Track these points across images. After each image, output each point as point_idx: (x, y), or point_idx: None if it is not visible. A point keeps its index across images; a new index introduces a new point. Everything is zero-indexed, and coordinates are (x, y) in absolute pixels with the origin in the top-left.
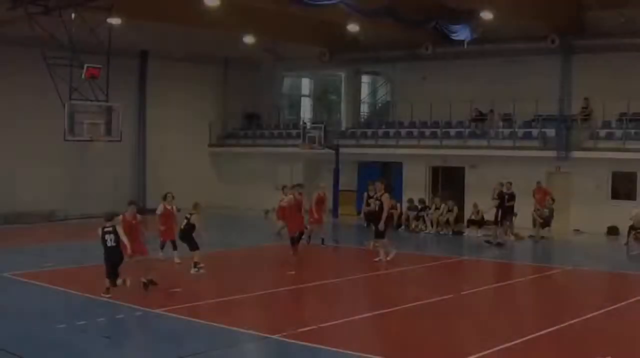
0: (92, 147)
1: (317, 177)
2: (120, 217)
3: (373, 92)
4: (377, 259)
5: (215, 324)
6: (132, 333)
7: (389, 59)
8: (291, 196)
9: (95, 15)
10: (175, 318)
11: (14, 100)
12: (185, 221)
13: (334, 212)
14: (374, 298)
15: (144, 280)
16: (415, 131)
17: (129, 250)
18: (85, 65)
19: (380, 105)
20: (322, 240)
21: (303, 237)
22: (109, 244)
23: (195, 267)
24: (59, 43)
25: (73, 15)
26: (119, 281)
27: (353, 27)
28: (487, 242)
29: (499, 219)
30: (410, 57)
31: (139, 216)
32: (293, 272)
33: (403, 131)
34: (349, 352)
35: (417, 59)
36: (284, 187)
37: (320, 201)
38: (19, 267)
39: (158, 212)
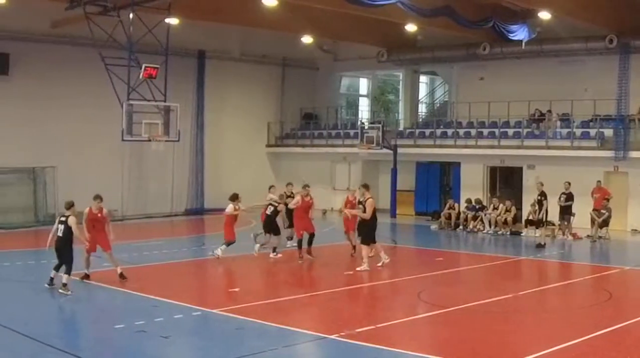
0: (149, 147)
1: (375, 177)
2: (87, 210)
3: (431, 92)
4: (360, 268)
5: (272, 324)
6: (190, 333)
7: (446, 59)
8: (299, 197)
9: (153, 15)
10: (232, 318)
11: (72, 100)
12: (273, 208)
13: (392, 212)
14: (431, 298)
15: (119, 271)
16: (473, 131)
17: (87, 245)
18: (143, 65)
19: (438, 105)
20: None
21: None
22: (59, 233)
23: (274, 251)
24: (116, 43)
25: (131, 15)
26: (65, 278)
27: (411, 27)
28: (539, 245)
29: (543, 220)
30: (468, 57)
31: (105, 211)
32: (350, 272)
33: (461, 131)
34: (407, 352)
35: (475, 59)
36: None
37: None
38: (77, 268)
39: (228, 211)
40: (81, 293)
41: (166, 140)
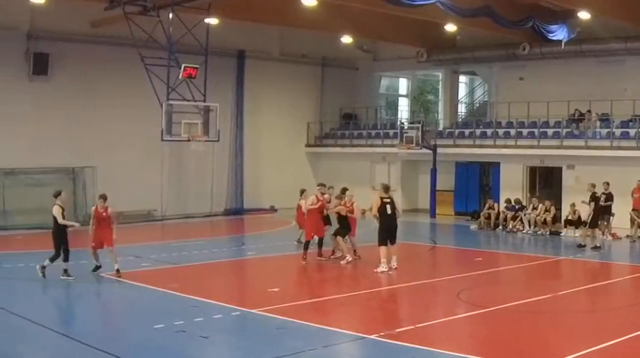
0: (189, 147)
1: (414, 177)
2: (93, 208)
3: (470, 92)
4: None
5: (311, 324)
6: (229, 333)
7: (486, 59)
8: (313, 197)
9: (193, 15)
10: (272, 318)
11: (112, 100)
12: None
13: (431, 212)
14: (471, 298)
15: (117, 267)
16: (512, 131)
17: (91, 242)
18: (183, 65)
19: (477, 105)
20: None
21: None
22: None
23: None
24: (156, 43)
25: (170, 15)
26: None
27: (450, 27)
28: (580, 246)
29: (593, 222)
30: (508, 57)
31: (110, 210)
32: (390, 272)
33: (500, 131)
34: (446, 352)
35: (515, 59)
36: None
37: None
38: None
39: (309, 205)
40: (120, 292)
41: (206, 140)
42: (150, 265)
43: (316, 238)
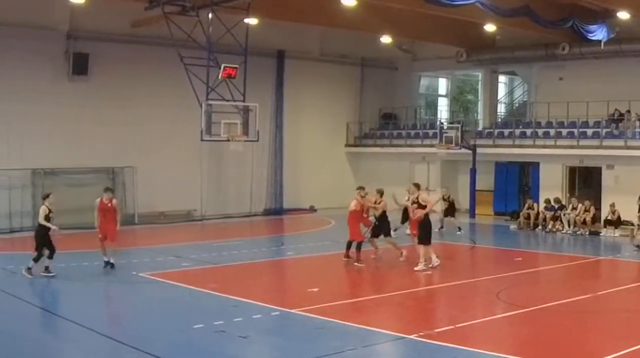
0: (228, 147)
1: (453, 177)
2: (97, 201)
3: (510, 92)
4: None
5: (351, 324)
6: (268, 333)
7: (525, 59)
8: (356, 199)
9: (232, 15)
10: (311, 318)
11: (151, 100)
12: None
13: (471, 212)
14: (510, 298)
15: (106, 259)
16: (552, 131)
17: (56, 234)
18: (222, 65)
19: (517, 105)
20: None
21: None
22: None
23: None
24: (195, 43)
25: (210, 15)
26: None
27: (490, 27)
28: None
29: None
30: (547, 57)
31: (114, 201)
32: (430, 272)
33: (540, 131)
34: (486, 352)
35: (554, 59)
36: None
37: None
38: (157, 267)
39: (352, 207)
40: (160, 292)
41: (245, 140)
42: (190, 265)
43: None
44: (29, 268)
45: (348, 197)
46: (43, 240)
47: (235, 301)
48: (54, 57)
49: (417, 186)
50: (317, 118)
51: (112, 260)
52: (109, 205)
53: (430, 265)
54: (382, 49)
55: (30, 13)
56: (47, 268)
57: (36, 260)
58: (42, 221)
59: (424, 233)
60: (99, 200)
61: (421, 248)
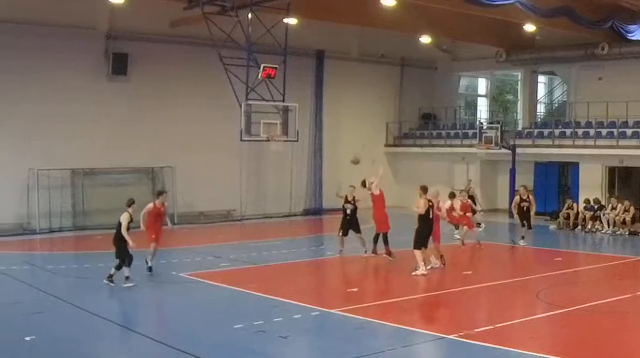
0: (268, 147)
1: (493, 177)
2: (150, 205)
3: (549, 92)
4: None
5: (391, 324)
6: (308, 333)
7: (565, 59)
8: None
9: (272, 14)
10: (351, 318)
11: (191, 100)
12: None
13: (510, 212)
14: (550, 298)
15: (150, 264)
16: (591, 131)
17: (133, 245)
18: (262, 65)
19: (556, 105)
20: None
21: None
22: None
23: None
24: (235, 43)
25: (249, 15)
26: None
27: (529, 27)
28: None
29: None
30: (587, 57)
31: (166, 204)
32: (469, 272)
33: (579, 131)
34: (526, 352)
35: (594, 59)
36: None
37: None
38: (196, 267)
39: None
40: (200, 292)
41: (285, 140)
42: (229, 265)
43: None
44: (111, 276)
45: (387, 197)
46: (124, 248)
47: (274, 301)
48: (93, 57)
49: (425, 189)
50: (356, 118)
51: (148, 264)
52: (162, 209)
53: (429, 267)
54: (422, 49)
55: (70, 13)
56: (127, 278)
57: (118, 268)
58: (124, 233)
59: (416, 237)
60: (152, 204)
61: (416, 253)
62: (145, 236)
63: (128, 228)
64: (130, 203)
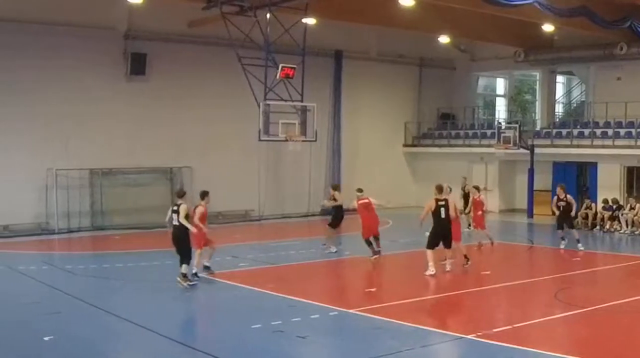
0: (286, 147)
1: (511, 177)
2: (201, 208)
3: (568, 92)
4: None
5: (409, 324)
6: (327, 333)
7: (583, 59)
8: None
9: (290, 15)
10: (369, 318)
11: (209, 100)
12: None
13: (529, 212)
14: (568, 298)
15: (207, 264)
16: (610, 131)
17: (204, 238)
18: (280, 65)
19: (575, 105)
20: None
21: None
22: (174, 223)
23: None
24: (253, 43)
25: (268, 16)
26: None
27: (548, 27)
28: None
29: None
30: (605, 57)
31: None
32: (488, 272)
33: (598, 131)
34: (544, 352)
35: (612, 59)
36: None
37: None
38: (214, 267)
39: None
40: (217, 292)
41: (303, 140)
42: (247, 265)
43: None
44: (184, 275)
45: (406, 197)
46: (188, 243)
47: (293, 301)
48: (111, 57)
49: (439, 189)
50: (374, 118)
51: (205, 263)
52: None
53: (447, 269)
54: (440, 49)
55: (89, 13)
56: (185, 276)
57: (187, 263)
58: (186, 221)
59: (429, 237)
60: (202, 207)
61: (427, 253)
62: (198, 238)
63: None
64: (205, 194)
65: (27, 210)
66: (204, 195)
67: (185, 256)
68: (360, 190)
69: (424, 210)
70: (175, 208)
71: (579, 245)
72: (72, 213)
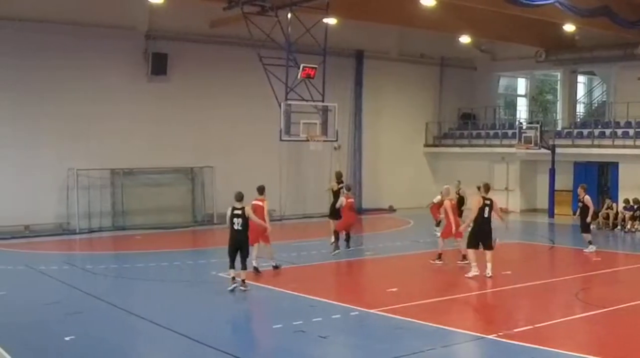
0: (307, 147)
1: (532, 177)
2: (259, 203)
3: (589, 92)
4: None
5: (430, 324)
6: (348, 333)
7: (604, 59)
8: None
9: (311, 15)
10: (390, 318)
11: (230, 100)
12: None
13: (550, 212)
14: (589, 298)
15: (274, 263)
16: (631, 131)
17: (267, 234)
18: (301, 65)
19: (596, 105)
20: None
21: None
22: (235, 227)
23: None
24: (274, 43)
25: (289, 15)
26: (232, 272)
27: (569, 27)
28: None
29: None
30: (626, 57)
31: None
32: (508, 272)
33: (619, 131)
34: (565, 352)
35: (633, 59)
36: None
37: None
38: (236, 267)
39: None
40: (239, 293)
41: (324, 140)
42: (269, 265)
43: None
44: (244, 281)
45: (427, 197)
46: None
47: (314, 301)
48: (133, 57)
49: (488, 188)
50: (395, 118)
51: (272, 263)
52: (260, 204)
53: (488, 275)
54: (461, 49)
55: (109, 13)
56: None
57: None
58: (258, 220)
59: (469, 237)
60: (262, 202)
61: (470, 253)
62: (255, 235)
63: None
64: (242, 197)
65: (48, 210)
66: (263, 189)
67: (245, 259)
68: (349, 189)
69: (472, 209)
70: (238, 212)
71: (590, 247)
72: (93, 213)
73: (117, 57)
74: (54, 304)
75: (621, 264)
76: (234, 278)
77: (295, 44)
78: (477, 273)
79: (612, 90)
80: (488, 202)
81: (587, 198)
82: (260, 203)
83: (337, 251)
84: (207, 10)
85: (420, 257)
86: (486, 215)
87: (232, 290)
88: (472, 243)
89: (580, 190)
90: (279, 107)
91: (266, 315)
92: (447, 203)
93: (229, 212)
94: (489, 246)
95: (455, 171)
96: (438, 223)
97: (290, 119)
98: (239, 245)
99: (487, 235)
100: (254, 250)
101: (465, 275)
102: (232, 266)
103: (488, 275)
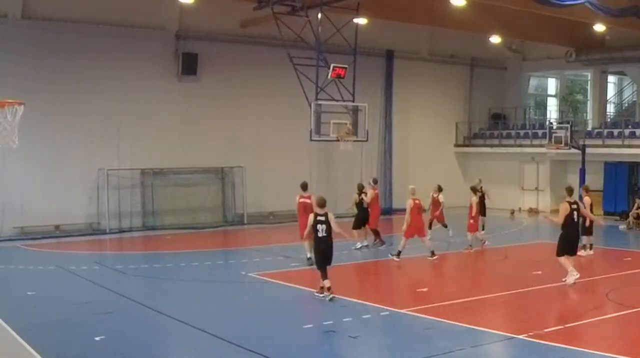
0: (337, 147)
1: (562, 177)
2: (303, 201)
3: (619, 92)
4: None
5: (460, 324)
6: (378, 333)
7: (634, 59)
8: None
9: (342, 14)
10: (421, 318)
11: (260, 100)
12: None
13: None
14: (620, 298)
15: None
16: None
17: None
18: (332, 65)
19: (626, 105)
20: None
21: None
22: (319, 234)
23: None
24: (305, 43)
25: (319, 15)
26: (327, 282)
27: (599, 27)
28: None
29: None
30: None
31: (312, 197)
32: (539, 272)
33: None
34: (596, 352)
35: None
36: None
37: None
38: (266, 267)
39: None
40: (269, 292)
41: (354, 140)
42: (299, 264)
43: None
44: (322, 288)
45: (457, 196)
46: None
47: (344, 301)
48: (163, 57)
49: (570, 191)
50: (426, 118)
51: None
52: (308, 201)
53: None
54: (491, 49)
55: (140, 13)
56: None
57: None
58: (337, 228)
59: (559, 243)
60: (300, 198)
61: (563, 261)
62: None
63: None
64: (325, 202)
65: (79, 210)
66: (306, 186)
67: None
68: (375, 181)
69: (559, 215)
70: (321, 218)
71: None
72: (123, 213)
73: (147, 57)
74: (84, 304)
75: None
76: (329, 288)
77: (326, 43)
78: (578, 276)
79: None
80: (575, 206)
81: (588, 199)
82: (308, 200)
83: (383, 245)
84: (237, 10)
85: (451, 257)
86: (575, 219)
87: (332, 299)
88: (564, 250)
89: (583, 192)
90: (309, 107)
91: (297, 315)
92: (409, 201)
93: (311, 219)
94: (574, 251)
95: (485, 171)
96: (445, 226)
97: (320, 119)
98: (328, 253)
99: (575, 240)
100: (306, 246)
101: (564, 281)
102: (326, 276)
103: (572, 283)
